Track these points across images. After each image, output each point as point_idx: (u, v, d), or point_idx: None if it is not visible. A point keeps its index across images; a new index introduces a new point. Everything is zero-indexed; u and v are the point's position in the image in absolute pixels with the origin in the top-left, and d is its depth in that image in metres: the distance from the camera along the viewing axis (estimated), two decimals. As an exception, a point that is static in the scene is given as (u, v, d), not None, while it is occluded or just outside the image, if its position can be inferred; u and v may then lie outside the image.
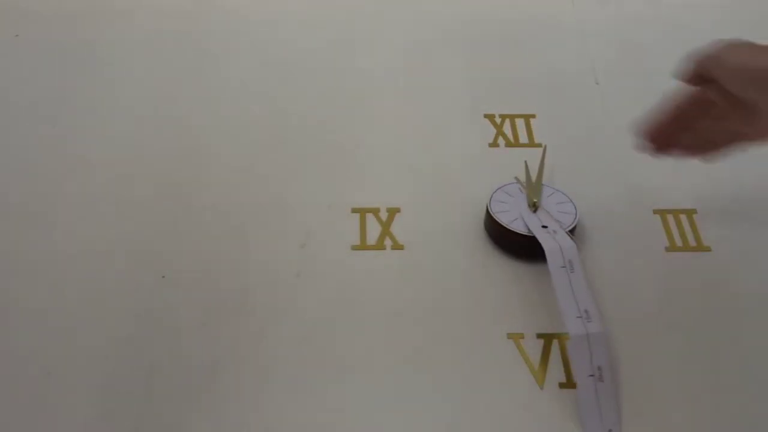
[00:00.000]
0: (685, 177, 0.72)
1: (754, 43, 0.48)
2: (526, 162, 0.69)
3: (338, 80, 0.82)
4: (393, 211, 0.68)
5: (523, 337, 0.59)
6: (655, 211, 0.69)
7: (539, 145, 0.74)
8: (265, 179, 0.71)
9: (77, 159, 0.72)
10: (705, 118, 0.54)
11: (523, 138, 0.76)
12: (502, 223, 0.64)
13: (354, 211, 0.68)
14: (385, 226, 0.67)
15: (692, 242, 0.67)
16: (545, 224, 0.63)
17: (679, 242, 0.67)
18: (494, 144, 0.75)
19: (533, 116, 0.78)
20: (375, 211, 0.67)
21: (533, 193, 0.66)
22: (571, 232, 0.63)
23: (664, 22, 0.90)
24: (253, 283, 0.62)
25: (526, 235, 0.62)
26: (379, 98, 0.80)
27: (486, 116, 0.78)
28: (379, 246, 0.65)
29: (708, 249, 0.66)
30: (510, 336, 0.59)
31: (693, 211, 0.69)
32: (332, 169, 0.72)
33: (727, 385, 0.57)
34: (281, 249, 0.65)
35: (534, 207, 0.65)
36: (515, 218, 0.64)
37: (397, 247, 0.65)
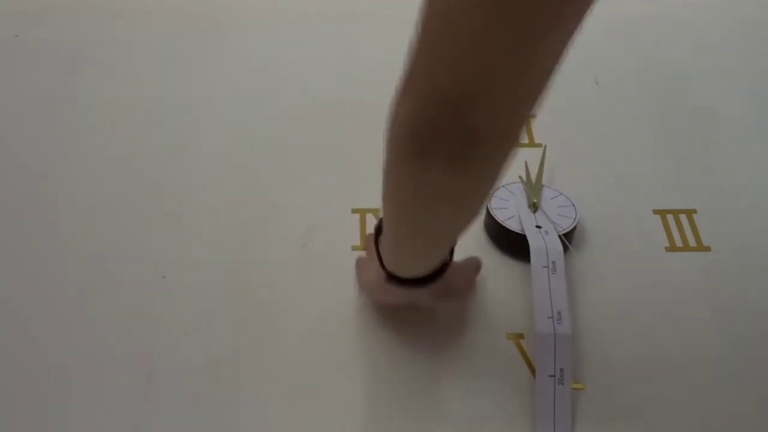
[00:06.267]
0: (685, 177, 0.72)
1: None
2: (526, 162, 0.69)
3: (338, 80, 0.82)
4: (393, 211, 0.68)
5: (523, 337, 0.59)
6: (655, 211, 0.69)
7: (539, 145, 0.74)
8: (265, 179, 0.71)
9: (77, 159, 0.72)
10: None
11: (523, 138, 0.75)
12: (498, 220, 0.64)
13: (354, 211, 0.68)
14: (385, 226, 0.66)
15: (692, 242, 0.67)
16: (540, 224, 0.63)
17: (679, 242, 0.67)
18: (494, 144, 0.75)
19: (533, 116, 0.78)
20: (375, 211, 0.67)
21: (533, 193, 0.66)
22: (569, 234, 0.63)
23: (665, 22, 0.90)
24: (253, 283, 0.62)
25: (520, 233, 0.63)
26: (379, 98, 0.79)
27: (486, 116, 0.78)
28: (379, 246, 0.65)
29: (708, 249, 0.66)
30: (510, 336, 0.59)
31: (693, 211, 0.69)
32: (332, 170, 0.72)
33: (725, 386, 0.57)
34: (281, 249, 0.65)
35: (534, 207, 0.65)
36: (512, 216, 0.64)
37: (397, 247, 0.65)
